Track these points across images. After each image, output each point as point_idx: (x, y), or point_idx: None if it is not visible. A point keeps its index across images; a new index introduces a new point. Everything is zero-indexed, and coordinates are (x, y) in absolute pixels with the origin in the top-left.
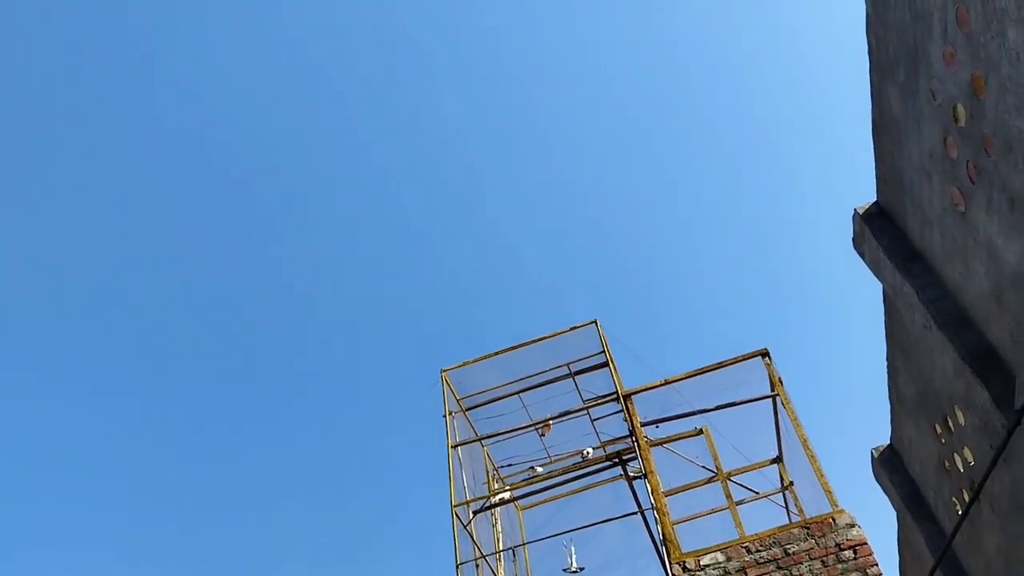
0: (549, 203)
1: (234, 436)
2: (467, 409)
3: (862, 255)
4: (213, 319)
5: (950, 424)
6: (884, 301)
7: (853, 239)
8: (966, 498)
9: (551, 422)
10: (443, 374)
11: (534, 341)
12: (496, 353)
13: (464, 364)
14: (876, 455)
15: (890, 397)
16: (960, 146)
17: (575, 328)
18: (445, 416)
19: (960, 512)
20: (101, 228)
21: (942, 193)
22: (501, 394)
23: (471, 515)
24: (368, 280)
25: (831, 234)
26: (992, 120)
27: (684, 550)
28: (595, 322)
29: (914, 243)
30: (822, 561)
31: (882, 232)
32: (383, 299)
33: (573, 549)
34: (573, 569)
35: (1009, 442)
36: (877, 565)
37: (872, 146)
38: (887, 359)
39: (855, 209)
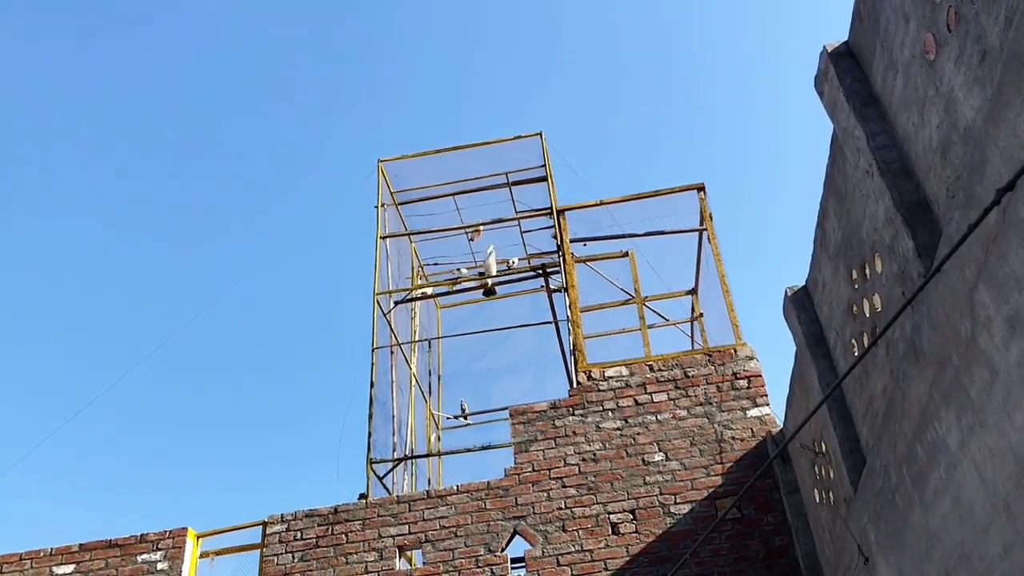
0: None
1: (169, 211)
2: (400, 204)
3: (821, 95)
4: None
5: (867, 271)
6: (831, 144)
7: (816, 77)
8: (865, 340)
9: (482, 228)
10: (380, 164)
11: (477, 144)
12: (437, 151)
13: (402, 157)
14: (789, 293)
15: (815, 240)
16: None
17: (519, 137)
18: (378, 207)
19: (857, 353)
20: None
21: (916, 39)
22: (436, 193)
23: (392, 305)
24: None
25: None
26: None
27: (591, 362)
28: (540, 134)
29: (875, 88)
30: (717, 386)
31: (846, 72)
32: (327, 80)
33: (464, 402)
34: (464, 413)
35: (921, 290)
36: (766, 396)
37: None
38: (820, 203)
39: (824, 46)
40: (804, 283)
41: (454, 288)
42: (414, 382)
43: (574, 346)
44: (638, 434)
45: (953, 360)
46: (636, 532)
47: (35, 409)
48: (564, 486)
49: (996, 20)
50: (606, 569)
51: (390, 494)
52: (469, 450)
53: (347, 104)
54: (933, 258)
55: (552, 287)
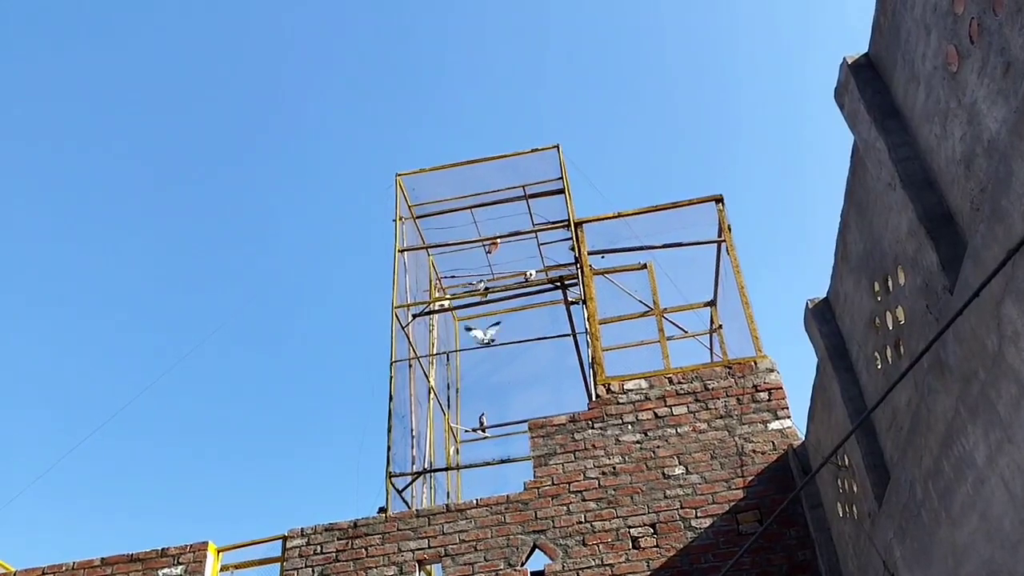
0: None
1: (191, 220)
2: (418, 217)
3: (841, 107)
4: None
5: (889, 284)
6: (852, 156)
7: (836, 89)
8: (888, 353)
9: (499, 240)
10: (397, 178)
11: (494, 158)
12: (454, 164)
13: (420, 171)
14: (811, 306)
15: (836, 253)
16: (968, 1)
17: (536, 150)
18: (396, 220)
19: (880, 366)
20: None
21: (937, 50)
22: (453, 207)
23: (410, 318)
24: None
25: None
26: None
27: (610, 374)
28: (557, 147)
29: (896, 99)
30: (738, 399)
31: (866, 84)
32: (346, 94)
33: (482, 415)
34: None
35: (952, 323)
36: (787, 408)
37: None
38: (841, 215)
39: (844, 58)
40: (825, 295)
41: (462, 300)
42: (432, 395)
43: (593, 359)
44: (658, 447)
45: (980, 375)
46: (657, 546)
47: (57, 424)
48: (584, 500)
49: (1020, 32)
50: None
51: (409, 508)
52: (488, 463)
53: (365, 118)
54: (958, 272)
55: (570, 299)
